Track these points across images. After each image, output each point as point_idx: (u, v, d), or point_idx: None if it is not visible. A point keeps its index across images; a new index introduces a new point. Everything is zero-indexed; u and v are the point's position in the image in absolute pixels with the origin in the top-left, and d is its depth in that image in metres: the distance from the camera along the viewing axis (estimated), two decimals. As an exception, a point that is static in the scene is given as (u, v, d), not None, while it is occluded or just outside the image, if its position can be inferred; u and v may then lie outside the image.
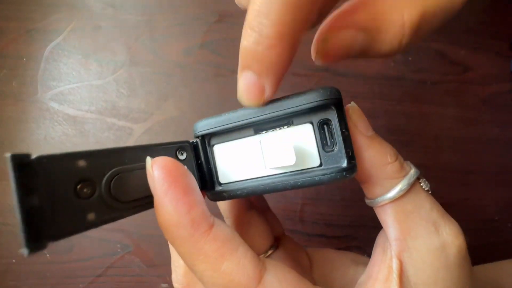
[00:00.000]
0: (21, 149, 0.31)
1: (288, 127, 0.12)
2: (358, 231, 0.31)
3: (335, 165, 0.12)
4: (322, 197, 0.31)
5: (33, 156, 0.09)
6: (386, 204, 0.13)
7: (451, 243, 0.13)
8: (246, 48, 0.10)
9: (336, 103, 0.12)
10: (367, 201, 0.14)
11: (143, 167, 0.11)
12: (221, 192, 0.13)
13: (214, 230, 0.11)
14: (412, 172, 0.13)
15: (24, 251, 0.09)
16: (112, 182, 0.10)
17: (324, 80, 0.34)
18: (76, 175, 0.10)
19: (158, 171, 0.10)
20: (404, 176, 0.13)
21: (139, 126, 0.32)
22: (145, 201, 0.11)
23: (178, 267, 0.14)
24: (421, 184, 0.14)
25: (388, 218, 0.13)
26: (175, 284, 0.14)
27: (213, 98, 0.33)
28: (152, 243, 0.30)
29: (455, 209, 0.32)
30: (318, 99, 0.11)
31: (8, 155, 0.09)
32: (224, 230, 0.11)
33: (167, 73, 0.33)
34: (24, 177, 0.09)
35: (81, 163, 0.10)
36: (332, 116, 0.12)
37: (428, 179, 0.33)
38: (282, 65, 0.10)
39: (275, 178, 0.12)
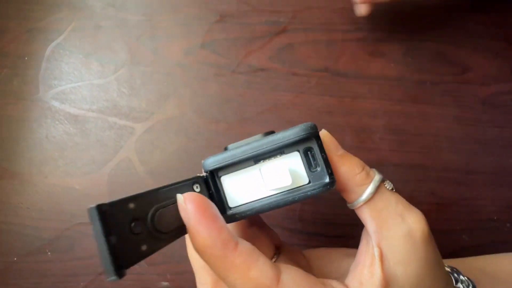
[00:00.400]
0: (22, 147, 0.31)
1: (280, 155, 0.16)
2: (357, 230, 0.31)
3: (320, 181, 0.15)
4: (321, 196, 0.32)
5: (98, 205, 0.11)
6: (361, 205, 0.16)
7: (415, 229, 0.16)
8: None
9: (315, 134, 0.15)
10: (348, 205, 0.17)
11: (174, 202, 0.14)
12: (233, 214, 0.16)
13: (239, 247, 0.14)
14: (377, 177, 0.16)
15: (113, 278, 0.11)
16: (155, 218, 0.13)
17: (323, 80, 0.34)
18: (129, 216, 0.12)
19: (190, 205, 0.13)
20: (371, 181, 0.16)
21: (140, 125, 0.32)
22: (180, 230, 0.14)
23: (205, 283, 0.16)
24: (386, 186, 0.17)
25: (365, 216, 0.16)
26: None
27: (213, 98, 0.33)
28: (152, 241, 0.30)
29: (454, 209, 0.32)
30: (302, 134, 0.15)
31: (92, 206, 0.11)
32: (246, 245, 0.14)
33: (168, 73, 0.33)
34: (104, 222, 0.11)
35: (131, 205, 0.12)
36: (313, 144, 0.15)
37: (427, 179, 0.33)
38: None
39: (276, 197, 0.16)
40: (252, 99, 0.33)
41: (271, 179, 0.15)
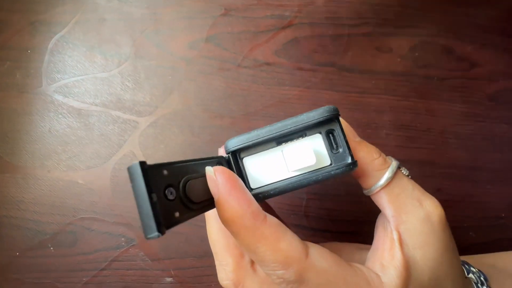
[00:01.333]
0: (25, 141, 0.31)
1: (302, 137, 0.16)
2: (362, 227, 0.31)
3: (343, 162, 0.15)
4: (327, 192, 0.31)
5: (141, 162, 0.11)
6: (379, 191, 0.17)
7: (433, 213, 0.16)
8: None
9: (337, 116, 0.16)
10: (364, 191, 0.18)
11: (201, 176, 0.14)
12: (256, 195, 0.16)
13: (268, 219, 0.14)
14: (394, 163, 0.17)
15: (155, 234, 0.11)
16: (186, 187, 0.13)
17: (329, 75, 0.34)
18: (164, 181, 0.12)
19: (220, 176, 0.13)
20: (388, 167, 0.17)
21: (144, 119, 0.31)
22: (207, 203, 0.14)
23: (226, 265, 0.16)
24: (402, 171, 0.17)
25: (383, 201, 0.17)
26: (224, 282, 0.16)
27: (217, 92, 0.32)
28: (156, 237, 0.29)
29: (461, 206, 0.32)
30: (326, 115, 0.15)
31: (135, 162, 0.11)
32: (274, 219, 0.14)
33: (172, 67, 0.33)
34: (146, 179, 0.11)
35: (165, 172, 0.12)
36: (336, 126, 0.16)
37: (434, 175, 0.32)
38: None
39: (299, 177, 0.16)
40: (257, 93, 0.33)
41: (294, 160, 0.15)
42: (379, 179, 0.16)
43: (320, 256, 0.14)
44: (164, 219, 0.11)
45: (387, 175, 0.16)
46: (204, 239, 0.30)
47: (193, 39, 0.33)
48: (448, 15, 0.35)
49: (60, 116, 0.31)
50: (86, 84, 0.32)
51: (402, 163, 0.32)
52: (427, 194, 0.17)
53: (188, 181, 0.13)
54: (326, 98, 0.33)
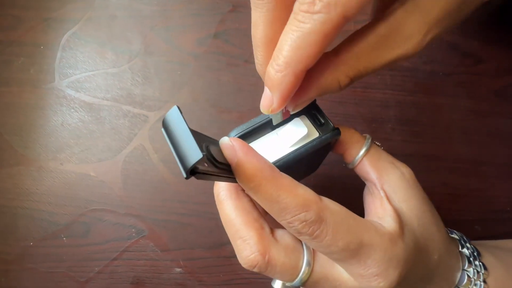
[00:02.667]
0: (38, 134, 0.32)
1: (291, 120, 0.19)
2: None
3: (329, 130, 0.18)
4: (334, 186, 0.32)
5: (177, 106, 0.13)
6: (361, 160, 0.19)
7: (406, 172, 0.20)
8: (266, 70, 0.15)
9: (314, 102, 0.18)
10: (349, 165, 0.20)
11: (217, 146, 0.15)
12: None
13: (282, 173, 0.15)
14: (368, 136, 0.20)
15: (200, 156, 0.11)
16: (209, 148, 0.14)
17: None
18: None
19: (236, 142, 0.15)
20: (365, 139, 0.20)
21: (154, 113, 0.32)
22: (226, 167, 0.15)
23: (250, 238, 0.17)
24: (376, 143, 0.20)
25: (366, 168, 0.19)
26: (250, 256, 0.16)
27: (226, 87, 0.33)
28: (166, 228, 0.30)
29: (467, 200, 0.32)
30: None
31: (175, 106, 0.12)
32: (284, 174, 0.16)
33: (181, 62, 0.33)
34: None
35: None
36: (315, 109, 0.19)
37: (439, 170, 0.33)
38: (286, 87, 0.15)
39: (296, 150, 0.18)
40: (263, 87, 0.33)
41: (289, 136, 0.18)
42: (360, 149, 0.19)
43: (329, 201, 0.16)
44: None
45: (366, 144, 0.19)
46: (213, 230, 0.30)
47: (201, 35, 0.34)
48: (453, 11, 0.36)
49: (72, 110, 0.32)
50: (97, 79, 0.33)
51: (407, 157, 0.33)
52: (397, 159, 0.20)
53: (208, 146, 0.14)
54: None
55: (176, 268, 0.30)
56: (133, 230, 0.30)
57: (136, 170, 0.31)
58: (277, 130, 0.19)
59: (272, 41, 0.15)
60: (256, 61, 0.16)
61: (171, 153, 0.32)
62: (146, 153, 0.31)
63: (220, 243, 0.30)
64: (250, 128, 0.18)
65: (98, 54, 0.33)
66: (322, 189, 0.31)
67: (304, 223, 0.15)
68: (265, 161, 0.15)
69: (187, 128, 0.12)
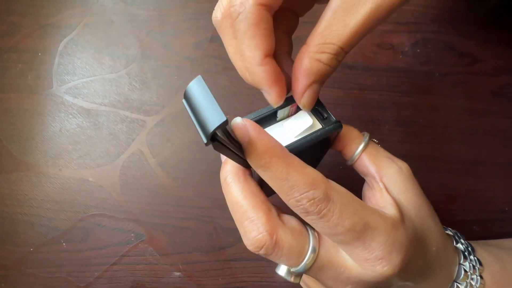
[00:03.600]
0: (37, 140, 0.32)
1: (297, 113, 0.20)
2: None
3: (331, 123, 0.19)
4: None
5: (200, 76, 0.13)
6: (360, 155, 0.20)
7: (403, 166, 0.20)
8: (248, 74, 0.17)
9: (318, 99, 0.19)
10: (348, 162, 0.21)
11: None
12: None
13: (291, 154, 0.16)
14: (366, 133, 0.21)
15: (222, 121, 0.12)
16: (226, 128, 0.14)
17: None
18: None
19: (248, 123, 0.15)
20: (364, 135, 0.20)
21: (151, 118, 0.32)
22: (239, 145, 0.15)
23: (258, 219, 0.17)
24: (374, 140, 0.21)
25: (365, 163, 0.20)
26: (257, 237, 0.17)
27: (223, 91, 0.33)
28: (164, 232, 0.30)
29: (465, 200, 0.32)
30: None
31: (199, 75, 0.13)
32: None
33: (177, 67, 0.33)
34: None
35: None
36: (318, 104, 0.19)
37: (436, 170, 0.33)
38: (267, 76, 0.16)
39: (301, 139, 0.19)
40: (260, 91, 0.33)
41: (295, 126, 0.19)
42: (359, 145, 0.20)
43: (336, 184, 0.17)
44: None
45: (364, 140, 0.20)
46: (211, 234, 0.30)
47: (198, 39, 0.34)
48: (449, 11, 0.36)
49: (70, 116, 0.32)
50: (95, 85, 0.33)
51: (404, 158, 0.33)
52: (393, 155, 0.21)
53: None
54: (329, 95, 0.34)
55: (175, 272, 0.30)
56: (132, 234, 0.30)
57: (134, 175, 0.31)
58: (283, 121, 0.19)
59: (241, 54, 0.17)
60: (239, 73, 0.18)
61: (169, 157, 0.33)
62: (144, 158, 0.32)
63: (219, 247, 0.30)
64: (256, 118, 0.18)
65: (95, 59, 0.33)
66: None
67: (312, 201, 0.15)
68: (275, 140, 0.16)
69: (211, 95, 0.13)
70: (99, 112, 0.32)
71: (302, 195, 0.15)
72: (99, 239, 0.30)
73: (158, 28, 0.34)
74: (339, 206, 0.16)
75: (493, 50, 0.36)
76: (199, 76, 0.13)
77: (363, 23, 0.15)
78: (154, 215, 0.31)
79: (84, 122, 0.32)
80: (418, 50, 0.35)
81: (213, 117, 0.12)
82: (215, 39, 0.34)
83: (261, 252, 0.17)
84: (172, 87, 0.33)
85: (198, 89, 0.13)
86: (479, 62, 0.35)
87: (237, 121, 0.15)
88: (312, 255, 0.17)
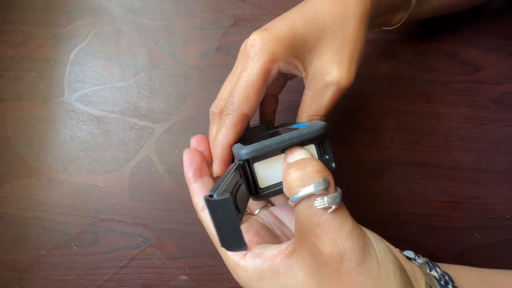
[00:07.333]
0: (49, 147, 0.33)
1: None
2: (373, 228, 0.32)
3: (329, 165, 0.19)
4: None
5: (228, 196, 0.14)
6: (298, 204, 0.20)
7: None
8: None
9: (327, 133, 0.20)
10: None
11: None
12: (265, 195, 0.19)
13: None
14: (339, 191, 0.20)
15: (243, 248, 0.14)
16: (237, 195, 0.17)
17: (336, 80, 0.35)
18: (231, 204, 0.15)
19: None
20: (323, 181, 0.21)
21: (159, 125, 0.33)
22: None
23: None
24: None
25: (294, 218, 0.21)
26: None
27: (229, 99, 0.34)
28: (172, 237, 0.31)
29: (467, 207, 0.33)
30: (321, 131, 0.19)
31: (226, 197, 0.14)
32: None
33: (185, 75, 0.34)
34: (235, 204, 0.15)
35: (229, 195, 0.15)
36: (325, 140, 0.20)
37: (439, 178, 0.33)
38: (221, 160, 0.22)
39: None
40: (264, 100, 0.34)
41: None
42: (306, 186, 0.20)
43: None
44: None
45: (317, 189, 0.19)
46: (217, 239, 0.31)
47: (204, 48, 0.35)
48: (452, 20, 0.36)
49: (81, 123, 0.33)
50: (105, 93, 0.34)
51: (407, 165, 0.33)
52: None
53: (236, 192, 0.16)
54: (333, 103, 0.34)
55: (182, 275, 0.31)
56: (141, 239, 0.31)
57: (143, 181, 0.32)
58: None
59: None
60: (209, 142, 0.24)
61: (177, 164, 0.33)
62: (152, 164, 0.32)
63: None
64: (263, 152, 0.18)
65: (105, 68, 0.34)
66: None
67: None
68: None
69: (236, 217, 0.14)
70: (109, 120, 0.33)
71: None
72: (108, 243, 0.31)
73: (166, 37, 0.35)
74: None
75: (496, 58, 0.36)
76: (227, 198, 0.13)
77: (331, 101, 0.23)
78: (162, 220, 0.32)
79: (94, 129, 0.33)
80: (421, 59, 0.36)
81: (233, 242, 0.14)
82: (222, 49, 0.35)
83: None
84: (179, 95, 0.34)
85: (223, 208, 0.14)
86: (482, 70, 0.36)
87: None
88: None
